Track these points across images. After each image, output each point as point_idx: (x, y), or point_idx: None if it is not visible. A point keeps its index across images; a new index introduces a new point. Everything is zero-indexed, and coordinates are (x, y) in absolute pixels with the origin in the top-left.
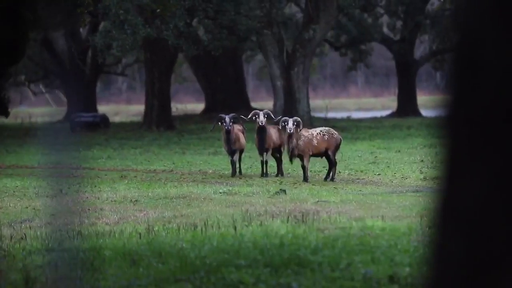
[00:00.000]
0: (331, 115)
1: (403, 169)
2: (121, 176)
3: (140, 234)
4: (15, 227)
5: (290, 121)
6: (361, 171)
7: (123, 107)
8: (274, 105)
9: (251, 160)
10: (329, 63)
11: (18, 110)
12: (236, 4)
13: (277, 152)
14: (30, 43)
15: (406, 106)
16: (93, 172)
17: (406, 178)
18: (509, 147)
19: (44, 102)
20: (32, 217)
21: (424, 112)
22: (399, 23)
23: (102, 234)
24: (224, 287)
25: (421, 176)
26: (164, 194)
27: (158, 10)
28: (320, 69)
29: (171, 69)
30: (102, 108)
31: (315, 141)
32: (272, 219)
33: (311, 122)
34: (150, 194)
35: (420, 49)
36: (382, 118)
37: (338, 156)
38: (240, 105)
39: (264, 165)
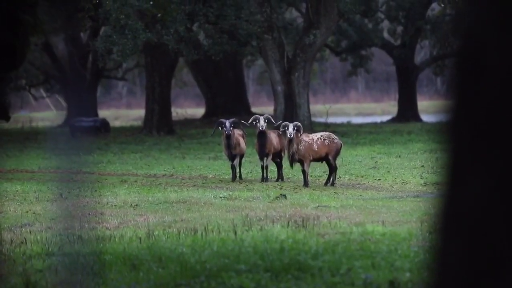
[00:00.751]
0: (331, 120)
1: (403, 174)
2: (121, 181)
3: (140, 238)
4: (15, 231)
5: (291, 126)
6: (362, 176)
7: (124, 112)
8: (275, 110)
9: (251, 165)
10: (329, 68)
11: (19, 115)
12: (237, 9)
13: (277, 157)
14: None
15: (407, 112)
16: (94, 176)
17: (407, 184)
18: (510, 152)
19: (44, 106)
20: (32, 221)
21: (425, 118)
22: (399, 28)
23: (102, 238)
24: None
25: (422, 182)
26: (164, 198)
27: (159, 15)
28: (321, 74)
29: (172, 73)
30: (102, 113)
31: (315, 146)
32: (273, 224)
33: (312, 127)
34: (150, 198)
35: (421, 54)
36: (382, 123)
37: (338, 161)
38: (240, 110)
39: (265, 170)
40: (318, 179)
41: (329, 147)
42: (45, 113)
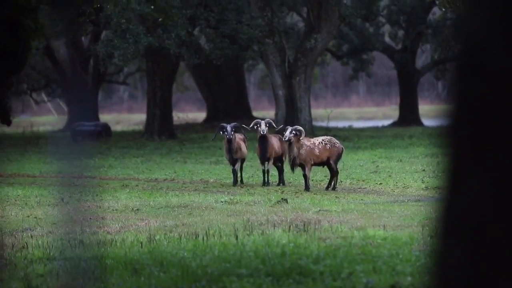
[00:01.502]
0: (332, 124)
1: (404, 178)
2: (123, 185)
3: (141, 243)
4: (16, 236)
5: (288, 130)
6: (363, 181)
7: (125, 116)
8: (276, 114)
9: (252, 169)
10: (330, 72)
11: (20, 119)
12: (238, 13)
13: (278, 161)
14: (32, 52)
15: (408, 116)
16: (95, 181)
17: (408, 188)
18: (510, 156)
19: (46, 111)
20: (33, 226)
21: (426, 122)
22: (400, 33)
23: (103, 243)
24: None
25: (423, 186)
26: (166, 203)
27: (160, 19)
28: (322, 78)
29: (173, 78)
30: (103, 117)
31: (316, 151)
32: (274, 228)
33: (313, 131)
34: (151, 203)
35: (422, 59)
36: (383, 127)
37: (339, 165)
38: (241, 114)
39: (266, 174)
40: (319, 184)
41: (330, 151)
42: (46, 118)
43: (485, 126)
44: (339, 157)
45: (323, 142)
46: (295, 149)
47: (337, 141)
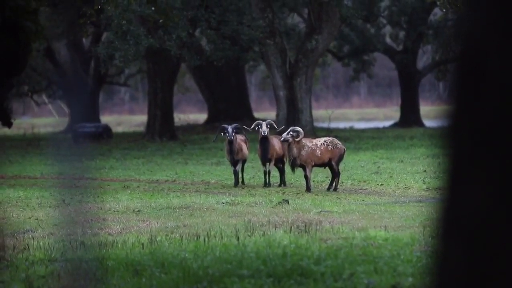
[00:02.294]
0: (333, 125)
1: (406, 179)
2: (124, 187)
3: (143, 244)
4: (18, 237)
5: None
6: (364, 181)
7: (126, 118)
8: (277, 115)
9: (253, 170)
10: (331, 73)
11: (21, 121)
12: (239, 14)
13: (280, 162)
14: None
15: (409, 117)
16: (96, 182)
17: (409, 188)
18: (510, 157)
19: (47, 112)
20: (35, 227)
21: (427, 123)
22: (401, 34)
23: (105, 244)
24: None
25: (424, 186)
26: (167, 204)
27: (161, 21)
28: (323, 79)
29: (174, 79)
30: (105, 119)
31: (318, 152)
32: (275, 229)
33: (314, 132)
34: (152, 204)
35: (423, 60)
36: (384, 128)
37: (341, 166)
38: (242, 115)
39: (267, 175)
40: (321, 184)
41: (332, 152)
42: (47, 119)
43: (485, 127)
44: (341, 158)
45: (325, 143)
46: (295, 150)
47: (339, 142)
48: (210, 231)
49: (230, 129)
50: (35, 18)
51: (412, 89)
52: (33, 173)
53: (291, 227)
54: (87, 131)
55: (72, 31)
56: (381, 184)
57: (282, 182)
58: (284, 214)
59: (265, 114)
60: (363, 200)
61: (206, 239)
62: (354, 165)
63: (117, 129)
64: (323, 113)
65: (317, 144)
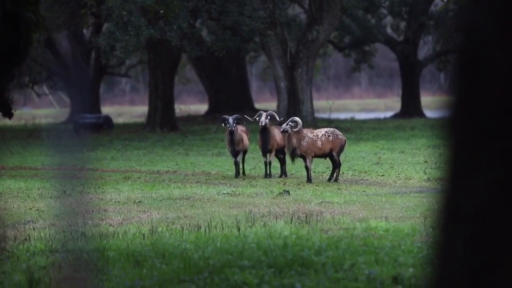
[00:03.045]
0: (334, 116)
1: (406, 170)
2: (125, 177)
3: (143, 235)
4: (18, 228)
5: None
6: (365, 172)
7: (127, 108)
8: (278, 106)
9: (254, 161)
10: (332, 64)
11: (22, 111)
12: (240, 5)
13: (280, 153)
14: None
15: (410, 107)
16: (97, 173)
17: (410, 179)
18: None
19: (47, 103)
20: (35, 218)
21: (428, 113)
22: (402, 24)
23: (105, 235)
24: None
25: (425, 177)
26: (168, 195)
27: (162, 11)
28: (324, 70)
29: (175, 70)
30: (105, 110)
31: (319, 143)
32: (276, 220)
33: (315, 123)
34: (153, 195)
35: (424, 50)
36: (385, 119)
37: (341, 157)
38: (243, 106)
39: (268, 166)
40: (321, 175)
41: (333, 143)
42: (48, 110)
43: (486, 117)
44: (342, 149)
45: (326, 134)
46: (294, 140)
47: (340, 133)
48: (211, 222)
49: (231, 120)
50: (36, 9)
51: (413, 80)
52: (34, 164)
53: (292, 218)
54: (88, 122)
55: (73, 22)
56: (382, 175)
57: (283, 172)
58: (285, 205)
59: (266, 105)
60: (364, 191)
61: (207, 230)
62: (355, 156)
63: (118, 120)
64: (324, 104)
65: (318, 135)
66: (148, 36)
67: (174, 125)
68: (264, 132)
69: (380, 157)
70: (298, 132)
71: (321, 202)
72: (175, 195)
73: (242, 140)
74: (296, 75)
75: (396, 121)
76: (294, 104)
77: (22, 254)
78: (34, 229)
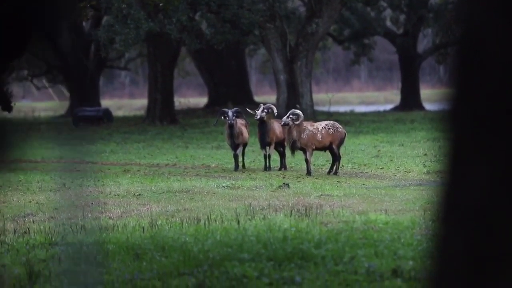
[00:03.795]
0: (334, 109)
1: (406, 162)
2: (124, 170)
3: (143, 228)
4: (18, 221)
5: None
6: (364, 165)
7: (126, 102)
8: (277, 99)
9: (254, 154)
10: (332, 57)
11: (21, 104)
12: None
13: (280, 146)
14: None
15: (409, 100)
16: (96, 166)
17: (410, 172)
18: (511, 140)
19: (47, 96)
20: (35, 211)
21: (427, 106)
22: (402, 17)
23: (105, 228)
24: (228, 281)
25: (425, 170)
26: (167, 188)
27: (161, 4)
28: (323, 63)
29: (174, 63)
30: (105, 103)
31: (319, 136)
32: (275, 213)
33: (314, 116)
34: (153, 188)
35: (424, 43)
36: (385, 112)
37: (341, 150)
38: (243, 99)
39: (267, 159)
40: (321, 168)
41: (333, 136)
42: (48, 103)
43: (486, 110)
44: (341, 142)
45: (326, 127)
46: (295, 133)
47: (340, 126)
48: (210, 215)
49: (230, 113)
50: (35, 1)
51: (413, 73)
52: (33, 157)
53: (291, 211)
54: (87, 115)
55: (72, 15)
56: (381, 168)
57: (283, 165)
58: (284, 198)
59: (266, 97)
60: (363, 184)
61: (207, 223)
62: (354, 149)
63: (118, 113)
64: (324, 97)
65: (318, 128)
66: (147, 29)
67: (173, 118)
68: (262, 125)
69: (379, 150)
70: (299, 125)
71: (321, 195)
72: (174, 188)
73: (241, 134)
74: (296, 68)
75: (396, 114)
76: (293, 97)
77: (22, 247)
78: (33, 222)
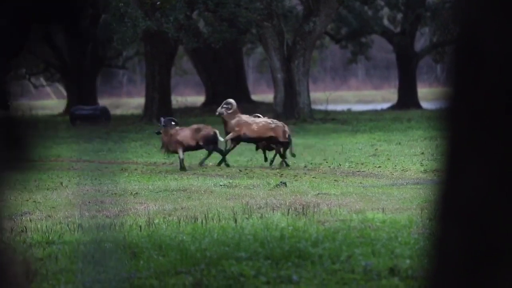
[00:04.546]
0: (331, 107)
1: (403, 161)
2: (122, 169)
3: (140, 226)
4: (15, 219)
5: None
6: (362, 164)
7: (124, 100)
8: (275, 97)
9: (251, 153)
10: (329, 55)
11: (19, 102)
12: None
13: (273, 144)
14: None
15: (407, 99)
16: (93, 165)
17: (407, 171)
18: (509, 139)
19: (44, 95)
20: (32, 210)
21: (425, 105)
22: (399, 16)
23: (102, 226)
24: (225, 280)
25: (422, 169)
26: (165, 187)
27: (158, 3)
28: (321, 61)
29: (172, 62)
30: (103, 101)
31: (254, 126)
32: (273, 212)
33: (312, 115)
34: (150, 187)
35: (421, 42)
36: (382, 110)
37: (338, 149)
38: (240, 98)
39: (223, 152)
40: (318, 167)
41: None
42: (46, 102)
43: (483, 109)
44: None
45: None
46: (231, 122)
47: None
48: (207, 213)
49: (162, 121)
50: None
51: (410, 71)
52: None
53: (288, 210)
54: (84, 113)
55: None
56: (378, 167)
57: (282, 162)
58: (281, 197)
59: (263, 96)
60: (360, 183)
61: (204, 221)
62: (351, 148)
63: (116, 111)
64: (321, 96)
65: (256, 120)
66: (145, 27)
67: (171, 116)
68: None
69: (377, 149)
70: (233, 113)
71: (318, 193)
72: (172, 186)
73: (169, 142)
74: (293, 67)
75: (393, 113)
76: (291, 96)
77: (19, 245)
78: (30, 221)
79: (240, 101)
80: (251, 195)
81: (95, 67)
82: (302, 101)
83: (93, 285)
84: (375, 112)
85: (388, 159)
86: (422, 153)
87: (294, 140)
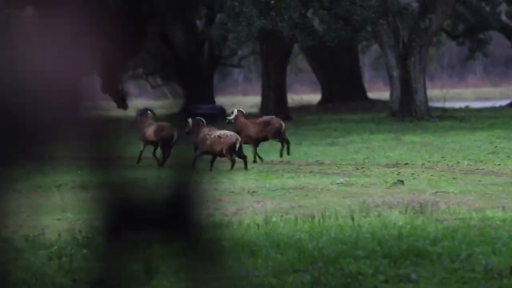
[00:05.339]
0: (449, 105)
1: None
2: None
3: (258, 225)
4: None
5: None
6: (481, 162)
7: (240, 99)
8: (391, 95)
9: (368, 151)
10: (446, 52)
11: (138, 102)
12: None
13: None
14: (148, 36)
15: None
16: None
17: None
18: None
19: (161, 94)
20: None
21: None
22: None
23: (220, 225)
24: (343, 278)
25: None
26: (281, 185)
27: (273, 2)
28: (437, 58)
29: (287, 60)
30: (218, 100)
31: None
32: (390, 210)
33: (429, 112)
34: (267, 185)
35: None
36: (501, 107)
37: (456, 146)
38: (356, 96)
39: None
40: (436, 165)
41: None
42: (162, 101)
43: None
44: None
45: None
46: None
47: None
48: (324, 211)
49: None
50: (150, 1)
51: None
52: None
53: (406, 208)
54: (202, 112)
55: (186, 14)
56: (498, 164)
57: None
58: (399, 195)
59: (379, 94)
60: (479, 181)
61: (321, 219)
62: (470, 145)
63: (231, 110)
64: (438, 93)
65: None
66: (259, 26)
67: (287, 115)
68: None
69: (496, 146)
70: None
71: (436, 192)
72: (288, 185)
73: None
74: (409, 64)
75: None
76: (407, 94)
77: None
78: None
79: (356, 99)
80: (368, 193)
81: (211, 66)
82: (419, 98)
83: (212, 283)
84: (493, 109)
85: (508, 156)
86: None
87: (411, 138)
